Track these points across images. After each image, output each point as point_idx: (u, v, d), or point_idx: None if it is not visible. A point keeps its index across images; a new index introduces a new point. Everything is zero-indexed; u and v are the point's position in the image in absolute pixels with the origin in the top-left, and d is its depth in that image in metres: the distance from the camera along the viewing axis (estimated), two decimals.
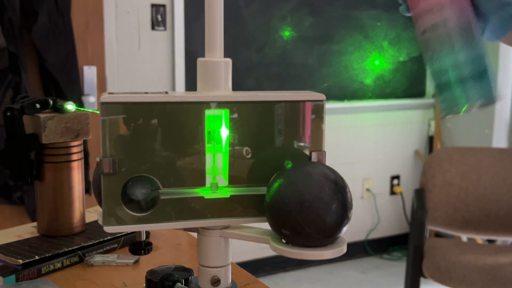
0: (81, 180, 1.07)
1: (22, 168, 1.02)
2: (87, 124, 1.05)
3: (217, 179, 0.69)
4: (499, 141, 3.34)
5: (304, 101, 0.69)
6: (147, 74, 2.76)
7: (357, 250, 3.53)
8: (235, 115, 0.67)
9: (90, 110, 1.08)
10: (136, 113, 0.64)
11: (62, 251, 0.98)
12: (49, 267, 0.95)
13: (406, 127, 3.61)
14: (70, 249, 0.99)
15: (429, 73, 0.68)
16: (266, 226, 0.68)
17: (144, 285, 0.79)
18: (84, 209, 1.09)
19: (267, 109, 0.68)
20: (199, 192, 0.68)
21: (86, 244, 1.02)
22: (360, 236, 3.53)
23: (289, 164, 0.66)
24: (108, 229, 0.65)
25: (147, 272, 0.79)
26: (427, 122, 3.68)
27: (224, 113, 0.68)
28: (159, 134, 0.65)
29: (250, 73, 3.03)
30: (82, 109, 1.06)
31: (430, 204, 2.46)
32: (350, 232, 3.27)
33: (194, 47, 2.83)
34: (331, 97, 3.27)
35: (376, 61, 3.37)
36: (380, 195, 3.57)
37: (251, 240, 0.69)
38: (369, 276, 3.30)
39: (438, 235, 3.33)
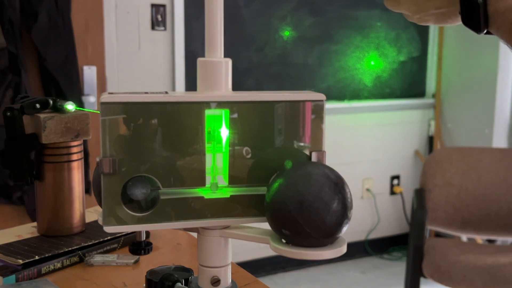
0: (81, 180, 1.07)
1: (22, 168, 1.02)
2: (87, 124, 1.05)
3: (217, 179, 0.69)
4: (499, 141, 3.34)
5: (304, 101, 0.69)
6: (147, 74, 2.76)
7: (357, 250, 3.53)
8: (235, 115, 0.67)
9: (90, 110, 1.08)
10: (136, 113, 0.64)
11: (62, 251, 0.98)
12: (49, 267, 0.95)
13: (406, 127, 3.61)
14: (70, 249, 0.99)
15: None
16: (266, 226, 0.68)
17: (144, 285, 0.79)
18: (84, 209, 1.09)
19: (267, 109, 0.68)
20: (199, 192, 0.68)
21: (86, 244, 1.02)
22: (360, 236, 3.53)
23: (289, 164, 0.66)
24: (108, 229, 0.65)
25: (147, 272, 0.79)
26: (427, 122, 3.68)
27: (224, 113, 0.68)
28: (159, 134, 0.65)
29: (250, 73, 3.03)
30: (82, 109, 1.06)
31: (430, 204, 2.46)
32: (350, 232, 3.27)
33: (194, 47, 2.83)
34: (331, 97, 3.27)
35: (374, 61, 3.37)
36: (380, 195, 3.57)
37: (251, 240, 0.69)
38: (369, 276, 3.30)
39: (438, 235, 3.33)
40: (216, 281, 0.70)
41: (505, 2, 0.62)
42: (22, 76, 2.13)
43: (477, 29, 0.65)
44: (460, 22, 0.69)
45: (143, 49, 2.73)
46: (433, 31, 3.60)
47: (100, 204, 0.67)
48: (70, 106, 1.04)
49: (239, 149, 0.68)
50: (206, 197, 0.67)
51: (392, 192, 3.62)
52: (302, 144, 0.69)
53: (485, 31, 0.65)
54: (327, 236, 0.63)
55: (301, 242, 0.63)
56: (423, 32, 3.55)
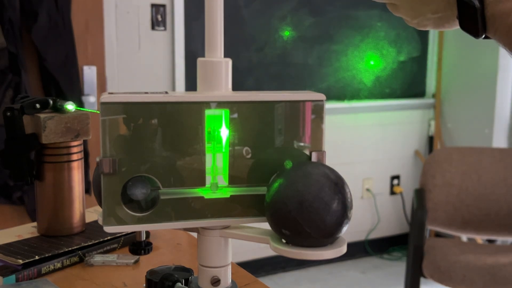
0: (81, 180, 1.07)
1: (22, 168, 1.02)
2: (87, 124, 1.05)
3: (217, 179, 0.69)
4: (499, 141, 3.34)
5: (304, 101, 0.69)
6: (147, 74, 2.76)
7: (357, 250, 3.53)
8: (235, 115, 0.67)
9: (90, 110, 1.08)
10: (136, 113, 0.64)
11: (62, 251, 0.98)
12: (49, 267, 0.95)
13: (406, 127, 3.61)
14: (70, 249, 0.99)
15: None
16: (266, 226, 0.68)
17: (144, 285, 0.79)
18: (84, 209, 1.09)
19: (267, 109, 0.68)
20: (199, 192, 0.68)
21: (86, 244, 1.02)
22: (360, 236, 3.53)
23: (289, 164, 0.66)
24: (108, 229, 0.65)
25: (147, 272, 0.79)
26: (427, 122, 3.68)
27: (224, 113, 0.68)
28: (159, 134, 0.65)
29: (250, 73, 3.03)
30: (82, 109, 1.06)
31: (430, 204, 2.46)
32: (350, 232, 3.27)
33: (194, 47, 2.83)
34: (331, 97, 3.27)
35: (374, 61, 3.37)
36: (380, 195, 3.57)
37: (251, 240, 0.69)
38: (369, 276, 3.30)
39: (438, 235, 3.33)
40: (216, 281, 0.70)
41: (502, 5, 0.62)
42: (22, 76, 2.13)
43: (475, 33, 0.65)
44: (458, 27, 0.69)
45: (143, 49, 2.73)
46: (433, 31, 3.60)
47: (100, 204, 0.67)
48: (70, 106, 1.04)
49: (239, 149, 0.68)
50: (206, 197, 0.67)
51: (392, 192, 3.62)
52: (302, 144, 0.69)
53: (483, 36, 0.65)
54: (327, 236, 0.63)
55: (301, 242, 0.63)
56: (423, 32, 3.55)
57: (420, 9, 0.70)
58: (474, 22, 0.64)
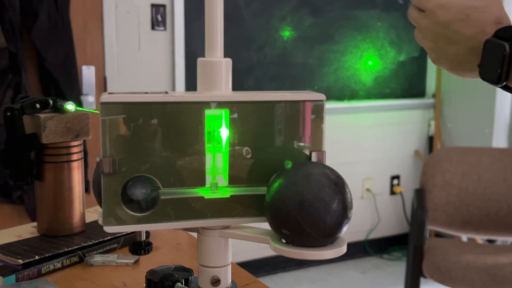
0: (81, 180, 1.07)
1: (22, 168, 1.02)
2: (87, 124, 1.05)
3: (217, 179, 0.69)
4: (499, 141, 3.34)
5: (304, 101, 0.69)
6: (147, 74, 2.76)
7: (357, 250, 3.53)
8: (235, 115, 0.67)
9: (90, 110, 1.08)
10: (136, 113, 0.64)
11: (62, 251, 0.98)
12: (49, 267, 0.95)
13: (406, 127, 3.61)
14: (70, 249, 0.99)
15: None
16: (266, 226, 0.68)
17: (144, 285, 0.79)
18: (84, 209, 1.09)
19: (267, 109, 0.68)
20: (199, 192, 0.68)
21: (86, 244, 1.02)
22: (360, 236, 3.53)
23: (289, 164, 0.66)
24: (108, 229, 0.65)
25: (147, 272, 0.79)
26: (427, 122, 3.68)
27: (224, 113, 0.68)
28: (159, 134, 0.65)
29: (250, 73, 3.03)
30: (82, 109, 1.06)
31: (430, 204, 2.46)
32: (350, 232, 3.27)
33: (194, 47, 2.83)
34: (331, 97, 3.27)
35: (374, 61, 3.37)
36: (380, 195, 3.57)
37: (251, 240, 0.69)
38: (369, 276, 3.30)
39: (438, 235, 3.33)
40: (216, 281, 0.70)
41: None
42: (22, 76, 2.13)
43: (496, 80, 0.64)
44: (471, 76, 0.67)
45: (143, 49, 2.73)
46: None
47: (100, 204, 0.67)
48: (70, 106, 1.03)
49: (239, 149, 0.68)
50: (206, 197, 0.67)
51: (392, 192, 3.62)
52: (302, 144, 0.69)
53: (503, 83, 0.64)
54: (327, 236, 0.63)
55: (301, 242, 0.63)
56: None
57: (443, 46, 0.69)
58: (497, 68, 0.63)
